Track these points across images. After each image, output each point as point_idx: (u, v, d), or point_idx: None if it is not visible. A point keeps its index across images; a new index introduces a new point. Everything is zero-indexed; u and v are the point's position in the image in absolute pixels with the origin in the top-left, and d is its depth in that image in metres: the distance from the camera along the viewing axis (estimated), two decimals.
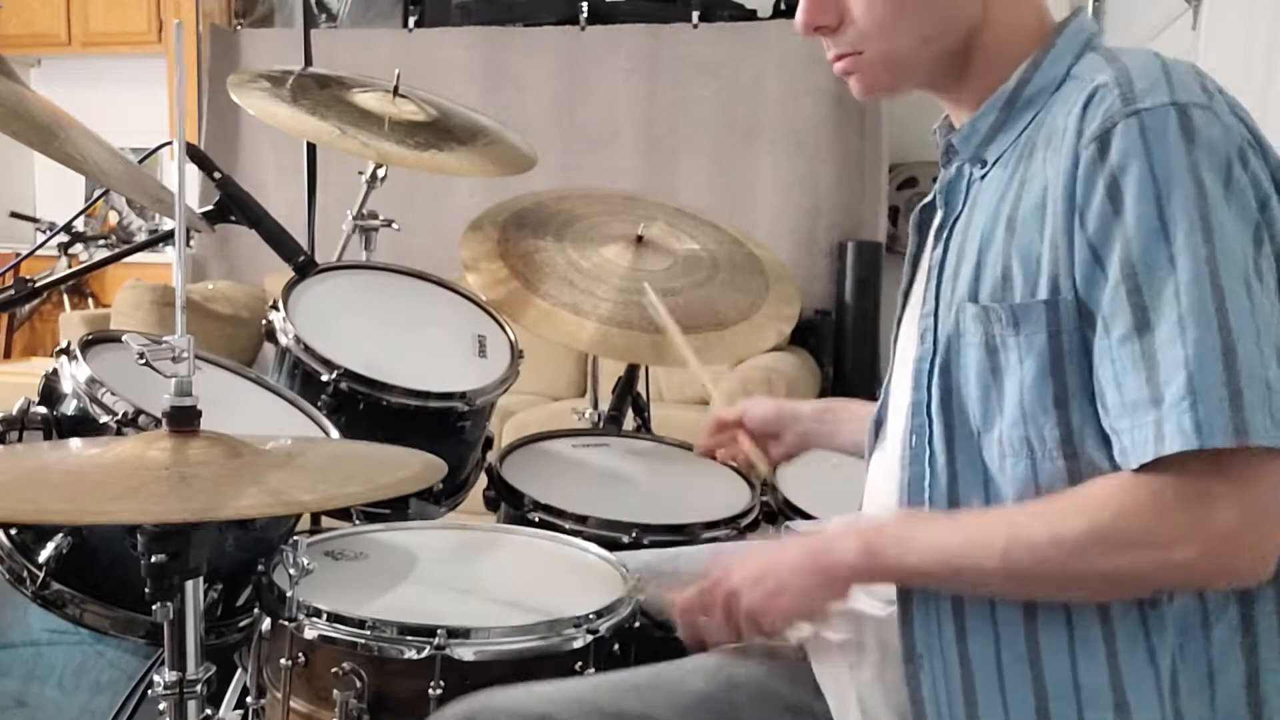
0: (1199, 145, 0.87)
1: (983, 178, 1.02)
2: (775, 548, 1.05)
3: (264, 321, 1.74)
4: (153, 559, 1.03)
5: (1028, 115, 0.99)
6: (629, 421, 2.23)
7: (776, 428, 1.49)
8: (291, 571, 1.18)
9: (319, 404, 1.64)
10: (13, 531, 1.35)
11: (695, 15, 4.36)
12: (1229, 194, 0.87)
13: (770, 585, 1.01)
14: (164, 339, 1.09)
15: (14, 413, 1.38)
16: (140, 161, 1.81)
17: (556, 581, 1.34)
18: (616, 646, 1.22)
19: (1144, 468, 0.86)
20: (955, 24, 1.01)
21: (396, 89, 2.10)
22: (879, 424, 1.17)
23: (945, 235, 1.04)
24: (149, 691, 1.14)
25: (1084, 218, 0.89)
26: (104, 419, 1.33)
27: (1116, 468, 0.90)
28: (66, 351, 1.41)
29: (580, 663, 1.18)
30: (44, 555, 1.32)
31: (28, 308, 5.27)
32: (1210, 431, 0.83)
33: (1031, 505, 0.93)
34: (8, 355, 5.34)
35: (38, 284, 1.67)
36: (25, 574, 1.34)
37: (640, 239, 2.04)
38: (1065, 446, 0.92)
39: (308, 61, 2.48)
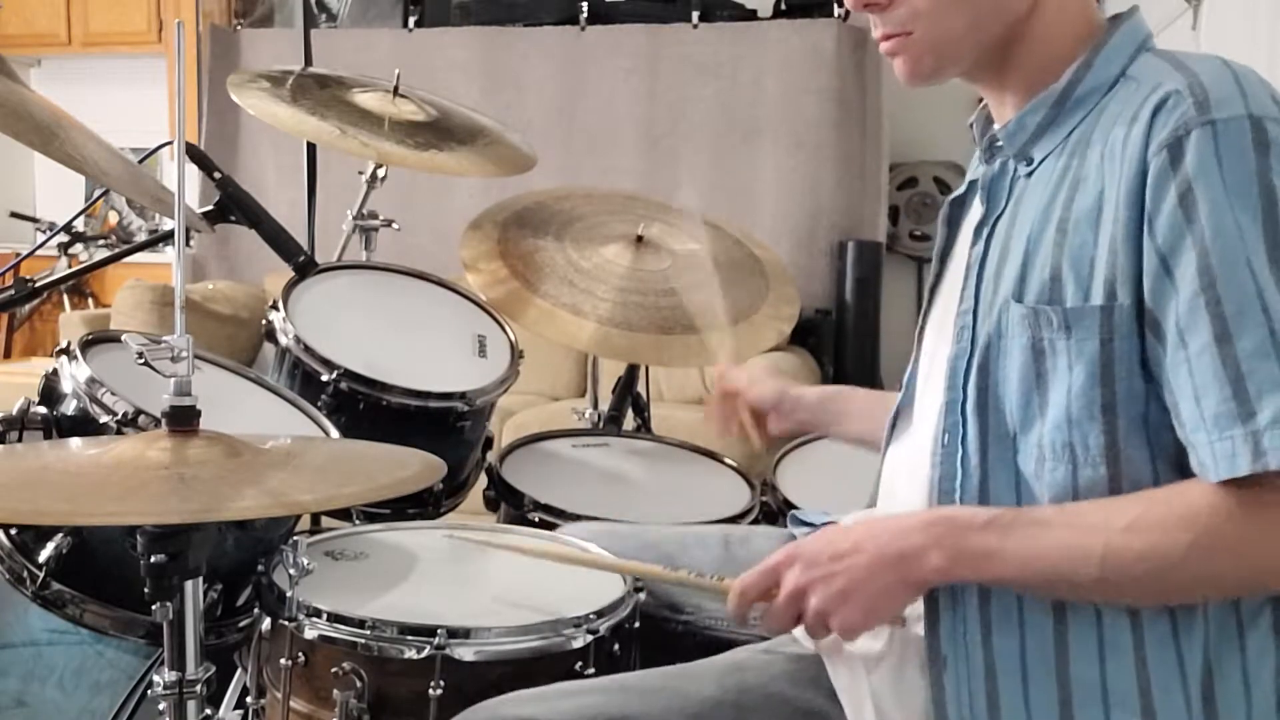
0: (1273, 156, 0.86)
1: (1028, 175, 1.01)
2: (847, 544, 0.98)
3: (264, 321, 1.74)
4: (152, 559, 1.03)
5: (1078, 115, 0.98)
6: (629, 421, 2.23)
7: (775, 410, 1.48)
8: (291, 571, 1.18)
9: (319, 404, 1.64)
10: (13, 531, 1.35)
11: (695, 15, 4.35)
12: None
13: (843, 587, 0.96)
14: (163, 339, 1.09)
15: (14, 413, 1.38)
16: (140, 161, 1.81)
17: (556, 581, 1.34)
18: (616, 646, 1.22)
19: (1232, 481, 0.85)
20: (1005, 13, 0.99)
21: (396, 89, 2.10)
22: (896, 418, 1.16)
23: (987, 233, 1.02)
24: (149, 691, 1.14)
25: (1153, 225, 0.88)
26: (104, 419, 1.33)
27: (1157, 475, 0.90)
28: (66, 351, 1.41)
29: (580, 663, 1.18)
30: (44, 555, 1.32)
31: (28, 308, 5.27)
32: None
33: (1126, 511, 0.90)
34: (8, 355, 5.34)
35: (38, 284, 1.67)
36: (25, 574, 1.34)
37: (640, 239, 2.04)
38: (1109, 453, 0.91)
39: (308, 61, 2.48)
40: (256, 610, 1.26)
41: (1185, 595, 0.91)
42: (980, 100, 1.12)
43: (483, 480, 1.81)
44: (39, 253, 4.29)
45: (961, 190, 1.12)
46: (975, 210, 1.07)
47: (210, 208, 1.78)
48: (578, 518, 1.61)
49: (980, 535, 0.93)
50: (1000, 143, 1.03)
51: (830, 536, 1.00)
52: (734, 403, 1.51)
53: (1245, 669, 0.91)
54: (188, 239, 1.18)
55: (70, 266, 4.85)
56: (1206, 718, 0.91)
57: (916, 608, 1.01)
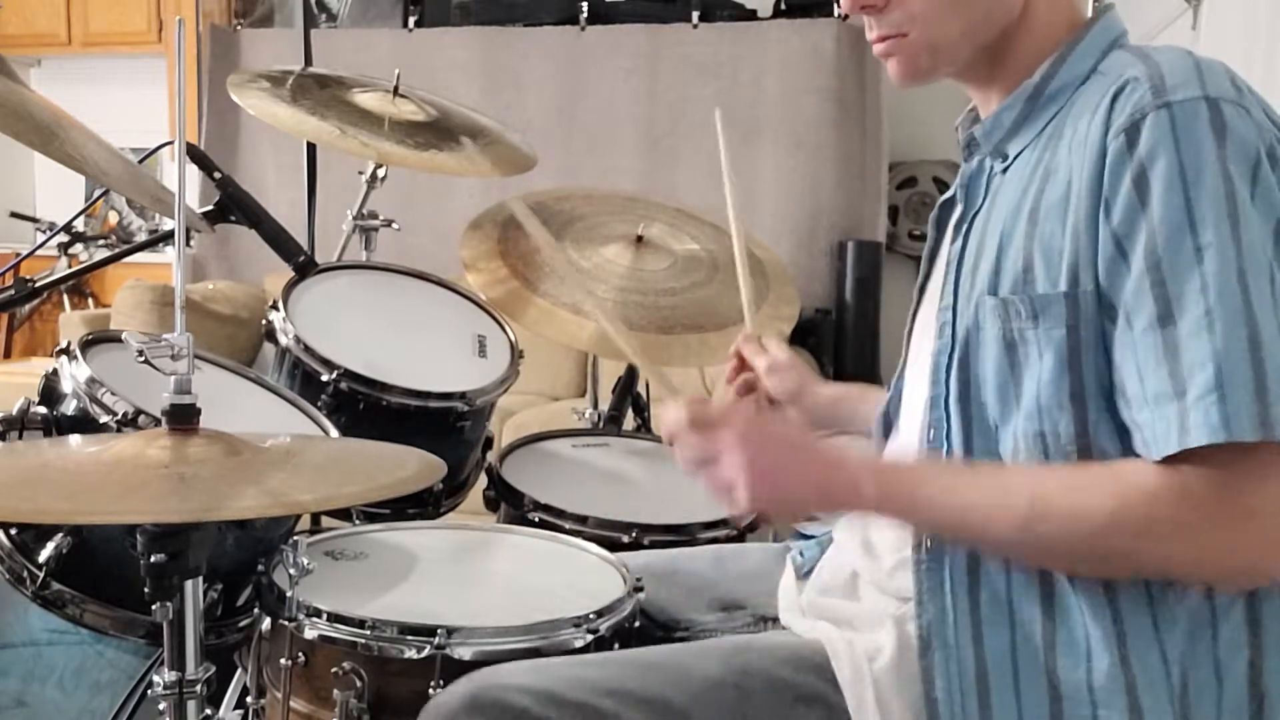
0: (1229, 140, 0.87)
1: (1004, 171, 1.02)
2: (797, 446, 1.00)
3: (264, 321, 1.74)
4: (152, 559, 1.03)
5: (1051, 110, 0.99)
6: (629, 421, 2.23)
7: (797, 404, 1.43)
8: (291, 571, 1.18)
9: (319, 404, 1.64)
10: (13, 531, 1.35)
11: (695, 15, 4.35)
12: (1255, 190, 0.87)
13: (774, 476, 0.97)
14: (163, 337, 1.09)
15: (14, 413, 1.38)
16: (140, 161, 1.81)
17: (556, 581, 1.34)
18: (617, 646, 1.22)
19: (1169, 459, 0.86)
20: (998, 15, 1.00)
21: (396, 89, 2.10)
22: (888, 417, 1.16)
23: (965, 229, 1.03)
24: (149, 691, 1.14)
25: (1109, 209, 0.89)
26: (104, 419, 1.33)
27: None
28: (66, 351, 1.41)
29: None
30: (44, 555, 1.32)
31: (28, 308, 5.26)
32: (1238, 425, 0.82)
33: (1057, 473, 0.92)
34: (8, 355, 5.34)
35: (38, 284, 1.67)
36: (25, 574, 1.34)
37: (640, 239, 2.04)
38: (1079, 441, 0.92)
39: (308, 61, 2.48)
40: (256, 610, 1.26)
41: (1102, 567, 0.92)
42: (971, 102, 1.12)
43: (483, 480, 1.81)
44: (39, 253, 4.28)
45: (950, 193, 1.13)
46: (957, 208, 1.08)
47: (210, 208, 1.78)
48: (578, 518, 1.61)
49: (916, 475, 0.96)
50: (978, 140, 1.04)
51: (792, 440, 1.01)
52: (751, 375, 1.46)
53: (1216, 658, 0.92)
54: (188, 239, 1.18)
55: (70, 266, 4.85)
56: (1183, 710, 0.91)
57: (909, 608, 1.01)
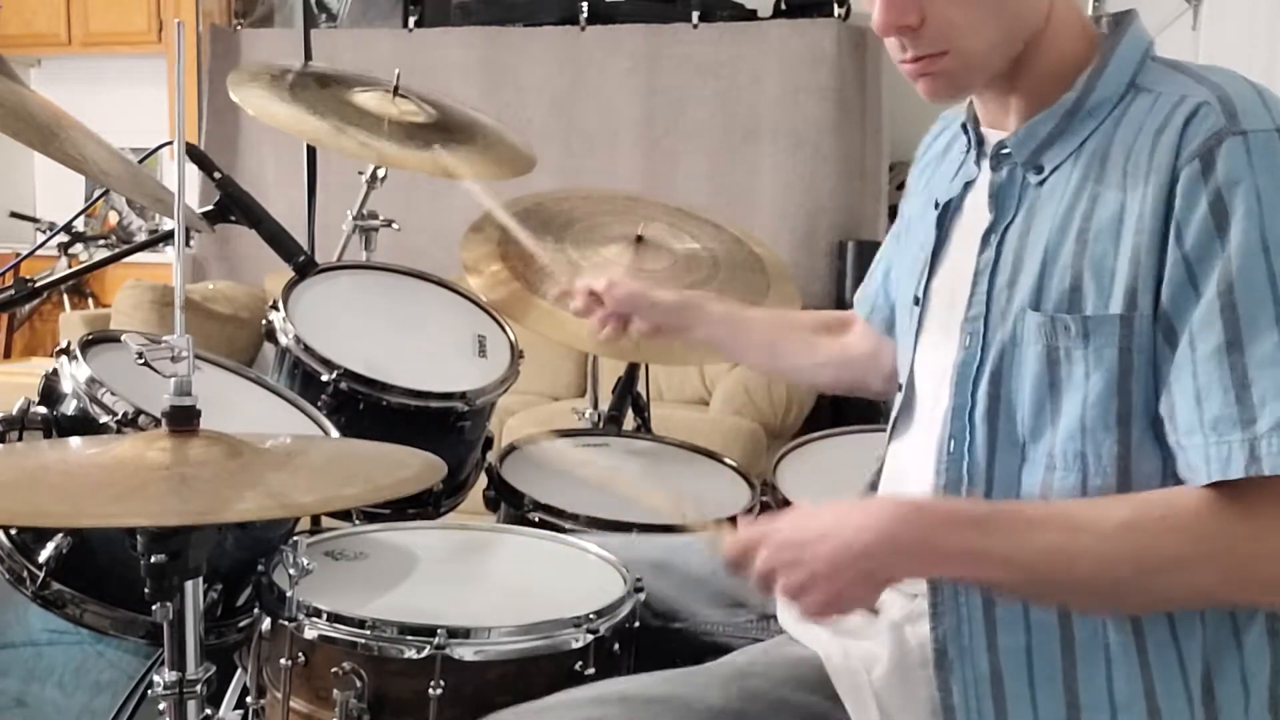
0: None
1: (1039, 184, 1.01)
2: (813, 532, 0.94)
3: (264, 321, 1.74)
4: (152, 559, 1.03)
5: (1090, 125, 0.98)
6: (629, 421, 2.23)
7: (630, 310, 1.46)
8: (291, 571, 1.18)
9: (319, 404, 1.63)
10: (13, 531, 1.35)
11: (695, 15, 4.35)
12: None
13: (805, 578, 0.93)
14: (163, 339, 1.09)
15: (14, 413, 1.38)
16: (140, 161, 1.81)
17: (556, 581, 1.34)
18: (616, 646, 1.22)
19: (1223, 484, 0.86)
20: (1028, 24, 1.00)
21: (396, 89, 2.10)
22: (896, 424, 1.15)
23: (997, 240, 1.02)
24: (149, 691, 1.14)
25: (1181, 233, 0.89)
26: (104, 419, 1.33)
27: (1165, 486, 0.91)
28: (66, 351, 1.41)
29: (580, 663, 1.18)
30: (44, 555, 1.32)
31: (28, 308, 5.27)
32: None
33: (1116, 513, 0.90)
34: (8, 355, 5.34)
35: (38, 284, 1.67)
36: (25, 574, 1.33)
37: (640, 239, 2.04)
38: (1120, 463, 0.92)
39: (307, 61, 2.48)
40: (256, 610, 1.26)
41: (1172, 601, 0.92)
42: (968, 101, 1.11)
43: (483, 480, 1.81)
44: (39, 253, 4.29)
45: (950, 197, 1.11)
46: (970, 213, 1.07)
47: (210, 208, 1.78)
48: (577, 518, 1.61)
49: (961, 533, 0.91)
50: (1008, 150, 1.03)
51: (799, 519, 0.97)
52: (596, 300, 1.49)
53: (1243, 669, 0.93)
54: (188, 239, 1.18)
55: (70, 266, 4.84)
56: (1207, 716, 0.92)
57: (920, 605, 1.01)
